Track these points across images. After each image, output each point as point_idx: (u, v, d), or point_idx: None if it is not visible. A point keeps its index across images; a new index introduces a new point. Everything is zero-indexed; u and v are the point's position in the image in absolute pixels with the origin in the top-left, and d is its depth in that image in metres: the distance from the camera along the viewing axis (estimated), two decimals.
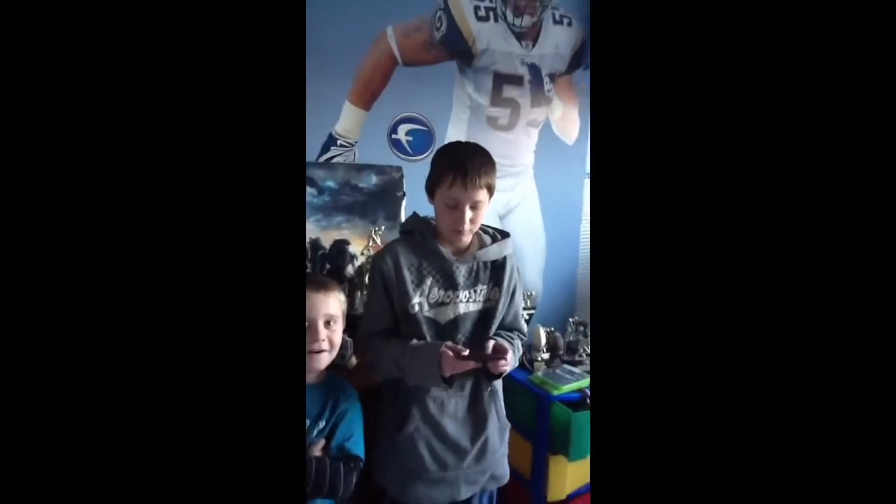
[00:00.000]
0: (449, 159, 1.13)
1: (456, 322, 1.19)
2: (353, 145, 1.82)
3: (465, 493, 1.21)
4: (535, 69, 2.12)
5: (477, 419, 1.21)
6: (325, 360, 1.08)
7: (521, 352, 1.33)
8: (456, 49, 1.94)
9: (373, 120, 1.85)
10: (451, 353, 1.09)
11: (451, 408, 1.18)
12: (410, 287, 1.16)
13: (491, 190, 1.14)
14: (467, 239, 1.19)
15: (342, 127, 1.80)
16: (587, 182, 2.42)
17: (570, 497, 1.82)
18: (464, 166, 1.09)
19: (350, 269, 1.72)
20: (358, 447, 1.08)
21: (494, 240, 1.24)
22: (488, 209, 1.18)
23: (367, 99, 1.83)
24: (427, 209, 1.24)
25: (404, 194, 1.86)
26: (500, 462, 1.27)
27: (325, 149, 1.78)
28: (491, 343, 1.15)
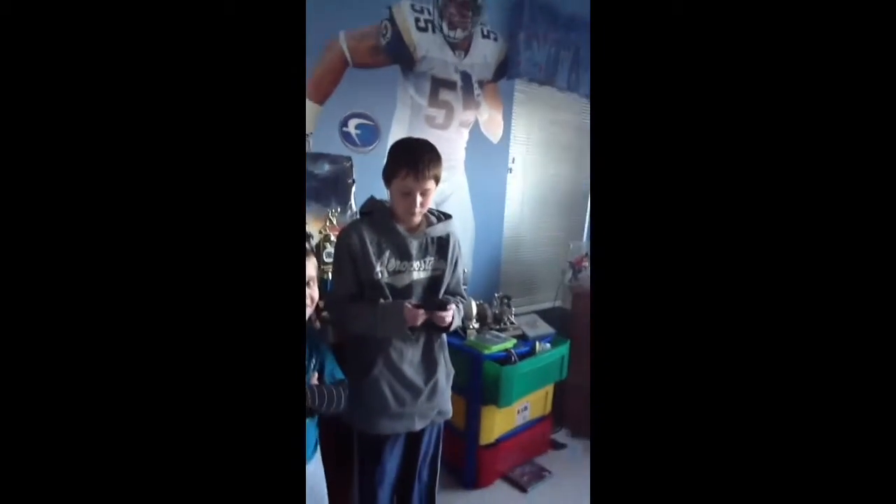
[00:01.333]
0: (403, 155, 1.33)
1: (410, 287, 1.40)
2: (308, 136, 1.96)
3: (419, 426, 1.44)
4: (466, 76, 2.38)
5: (429, 365, 1.45)
6: (307, 313, 1.29)
7: (462, 312, 1.54)
8: (399, 55, 2.14)
9: (326, 114, 1.99)
10: (410, 307, 1.32)
11: (408, 356, 1.40)
12: (373, 258, 1.35)
13: (438, 179, 1.36)
14: (418, 219, 1.40)
15: None
16: (509, 176, 2.74)
17: (499, 440, 2.13)
18: (415, 162, 1.29)
19: (307, 247, 1.91)
20: (340, 375, 1.29)
21: (440, 220, 1.46)
22: (434, 194, 1.40)
23: (321, 95, 1.96)
24: (376, 193, 1.46)
25: (354, 181, 2.02)
26: (446, 400, 1.51)
27: None
28: (439, 299, 1.39)
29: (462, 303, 1.54)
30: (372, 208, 1.43)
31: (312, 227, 1.92)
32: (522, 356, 2.10)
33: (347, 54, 2.00)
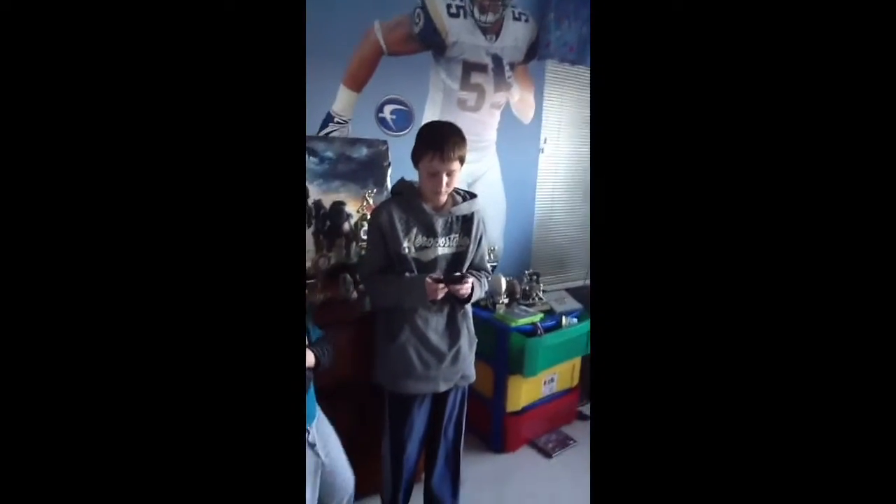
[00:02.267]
0: (429, 138, 1.42)
1: (435, 261, 1.52)
2: (347, 122, 2.09)
3: (443, 388, 1.57)
4: (497, 59, 2.45)
5: (452, 333, 1.56)
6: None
7: (486, 286, 1.65)
8: (431, 41, 2.23)
9: (363, 101, 2.11)
10: (431, 281, 1.44)
11: (433, 324, 1.53)
12: (401, 234, 1.46)
13: (462, 160, 1.45)
14: (444, 199, 1.51)
15: (338, 107, 2.07)
16: (541, 156, 2.80)
17: (525, 409, 2.26)
18: (441, 145, 1.39)
19: (346, 226, 2.05)
20: (318, 332, 1.42)
21: (465, 199, 1.56)
22: (460, 175, 1.49)
23: (358, 83, 2.09)
24: (409, 174, 1.56)
25: (389, 164, 2.15)
26: (469, 366, 1.63)
27: (324, 125, 2.04)
28: (457, 274, 1.50)
29: (486, 277, 1.63)
30: (402, 188, 1.54)
31: (351, 207, 2.07)
32: (548, 329, 2.20)
33: (382, 43, 2.11)
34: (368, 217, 2.02)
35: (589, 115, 2.96)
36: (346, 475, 1.43)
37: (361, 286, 1.81)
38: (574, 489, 2.01)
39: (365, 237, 2.02)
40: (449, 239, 1.54)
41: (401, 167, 2.15)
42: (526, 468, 2.15)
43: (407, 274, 1.49)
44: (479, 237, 1.59)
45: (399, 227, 1.47)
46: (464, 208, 1.54)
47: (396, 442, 1.59)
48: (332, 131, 2.08)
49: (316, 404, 1.41)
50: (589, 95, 2.91)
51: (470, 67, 2.38)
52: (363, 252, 2.03)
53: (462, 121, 2.34)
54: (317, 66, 1.98)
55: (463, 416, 1.68)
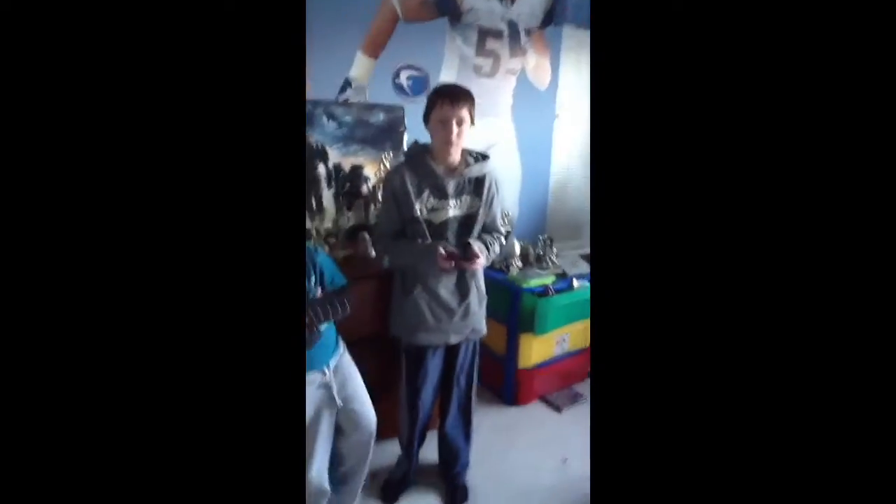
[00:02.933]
0: (440, 90, 1.51)
1: (447, 223, 1.56)
2: (364, 88, 2.16)
3: (454, 340, 1.65)
4: (513, 24, 2.46)
5: (462, 290, 1.63)
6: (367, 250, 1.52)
7: (499, 248, 1.66)
8: (447, 7, 2.26)
9: (380, 68, 2.17)
10: (442, 251, 1.48)
11: (444, 281, 1.59)
12: (413, 197, 1.51)
13: (471, 114, 1.49)
14: (456, 153, 1.53)
15: (356, 73, 2.13)
16: (556, 122, 2.83)
17: (537, 366, 2.35)
18: (449, 92, 1.48)
19: (365, 188, 2.14)
20: (341, 279, 1.48)
21: (477, 161, 1.58)
22: (469, 132, 1.51)
23: (375, 50, 2.14)
24: (424, 139, 1.59)
25: (406, 128, 2.22)
26: (479, 320, 1.69)
27: (343, 90, 2.11)
28: (468, 247, 1.53)
29: (498, 239, 1.68)
30: (414, 151, 1.60)
31: (369, 170, 2.15)
32: (560, 291, 2.27)
33: (399, 10, 2.16)
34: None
35: None
36: (368, 414, 1.53)
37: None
38: (581, 441, 2.11)
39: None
40: (460, 201, 1.58)
41: (416, 132, 2.21)
42: (536, 420, 2.25)
43: (420, 241, 1.54)
44: (490, 199, 1.62)
45: (411, 190, 1.52)
46: (475, 170, 1.57)
47: (411, 390, 1.70)
48: (348, 97, 2.14)
49: (339, 342, 1.51)
50: None
51: (485, 33, 2.41)
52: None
53: (477, 87, 2.38)
54: (336, 32, 2.05)
55: (474, 367, 1.77)
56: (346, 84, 2.14)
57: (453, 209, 1.57)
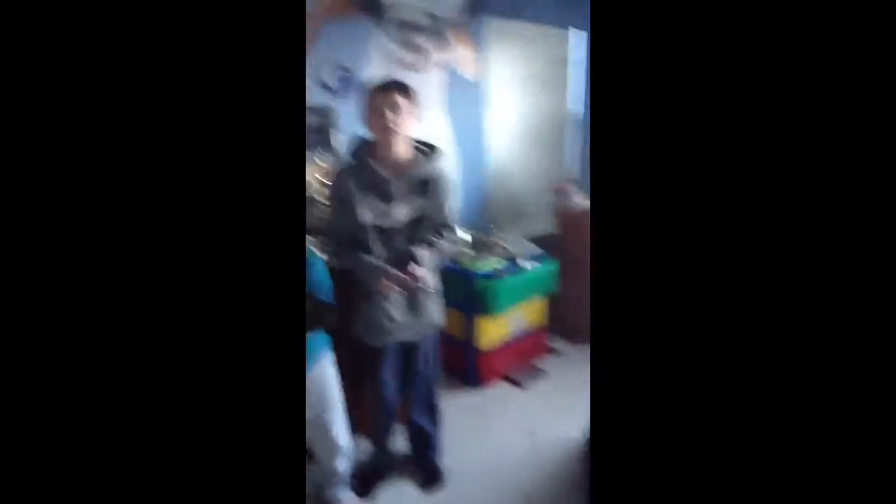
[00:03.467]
0: (374, 87, 1.48)
1: (396, 227, 1.50)
2: None
3: (412, 338, 1.64)
4: (434, 17, 2.50)
5: (412, 299, 1.57)
6: None
7: (448, 245, 1.62)
8: (367, 4, 2.28)
9: (307, 68, 2.16)
10: (384, 278, 1.46)
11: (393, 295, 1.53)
12: (357, 203, 1.45)
13: (408, 98, 1.45)
14: (398, 143, 1.46)
15: None
16: (487, 112, 2.90)
17: (495, 346, 2.40)
18: (382, 83, 1.47)
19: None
20: (327, 296, 1.47)
21: (426, 155, 1.52)
22: (410, 120, 1.46)
23: None
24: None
25: (335, 128, 2.23)
26: (435, 316, 1.65)
27: None
28: (411, 267, 1.48)
29: (449, 236, 1.64)
30: (357, 150, 1.53)
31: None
32: (509, 272, 2.34)
33: (320, 9, 2.16)
34: (321, 180, 2.11)
35: (533, 67, 3.06)
36: (337, 438, 1.57)
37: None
38: (545, 413, 2.17)
39: (319, 199, 2.09)
40: (408, 203, 1.50)
41: (347, 131, 2.23)
42: (500, 399, 2.30)
43: (365, 256, 1.50)
44: (441, 198, 1.55)
45: (355, 195, 1.46)
46: (422, 171, 1.51)
47: (375, 384, 1.71)
48: None
49: (325, 350, 1.53)
50: (531, 48, 3.01)
51: (408, 28, 2.44)
52: (322, 215, 2.11)
53: (407, 82, 2.40)
54: None
55: (437, 356, 1.79)
56: None
57: (401, 211, 1.51)
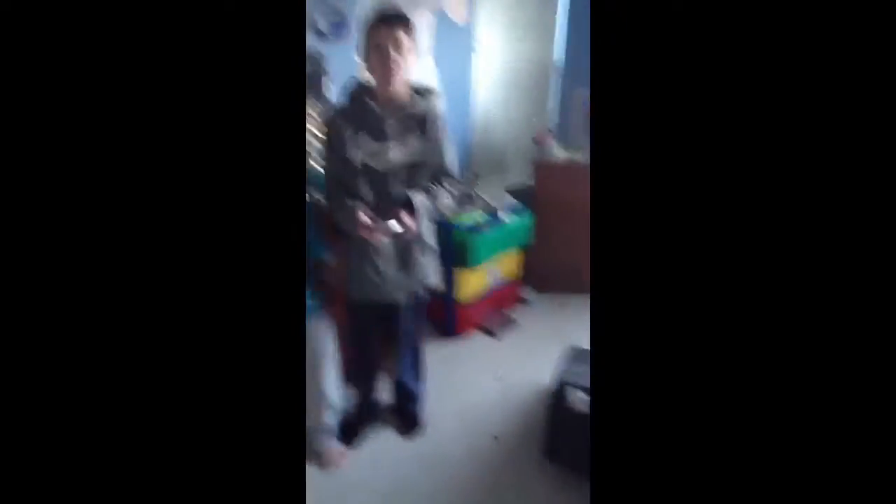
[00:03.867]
0: (373, 15, 1.37)
1: (391, 169, 1.41)
2: None
3: (402, 298, 1.59)
4: None
5: (404, 252, 1.53)
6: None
7: (448, 198, 1.54)
8: None
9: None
10: (362, 217, 1.34)
11: (382, 246, 1.48)
12: (347, 141, 1.38)
13: (410, 38, 1.34)
14: (397, 84, 1.35)
15: None
16: (474, 56, 2.85)
17: (473, 298, 2.51)
18: (384, 13, 1.35)
19: None
20: (317, 250, 1.53)
21: (422, 95, 1.45)
22: (413, 59, 1.36)
23: None
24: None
25: (327, 73, 2.19)
26: (428, 273, 1.61)
27: None
28: (402, 214, 1.38)
29: (450, 187, 1.55)
30: (352, 90, 1.45)
31: None
32: (488, 224, 2.41)
33: None
34: (313, 130, 2.08)
35: (521, 12, 2.98)
36: (328, 393, 1.67)
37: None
38: (515, 359, 2.34)
39: (312, 152, 2.08)
40: (403, 142, 1.42)
41: (340, 78, 2.18)
42: (475, 349, 2.45)
43: (346, 199, 1.42)
44: (438, 139, 1.48)
45: (345, 132, 1.39)
46: (419, 105, 1.44)
47: (361, 341, 1.77)
48: None
49: (316, 306, 1.58)
50: None
51: None
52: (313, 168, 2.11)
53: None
54: None
55: (423, 317, 1.84)
56: None
57: (396, 152, 1.42)
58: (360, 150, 1.41)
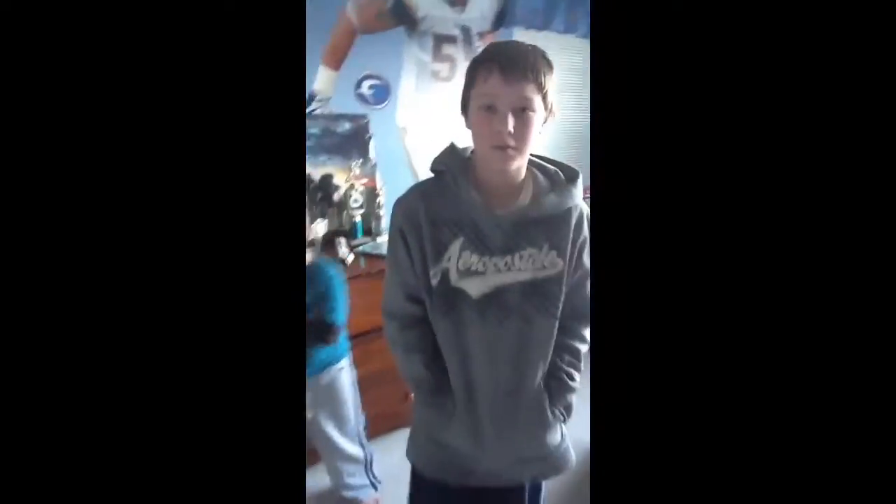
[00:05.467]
0: (490, 52, 0.83)
1: (496, 295, 0.88)
2: (328, 100, 2.22)
3: (491, 482, 0.99)
4: (465, 29, 2.57)
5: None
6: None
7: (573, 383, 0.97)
8: (402, 17, 2.34)
9: (342, 79, 2.24)
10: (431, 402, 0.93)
11: None
12: (429, 249, 0.87)
13: (544, 93, 0.82)
14: (514, 164, 0.85)
15: (319, 86, 2.19)
16: None
17: None
18: (506, 54, 0.80)
19: (336, 195, 2.22)
20: (340, 318, 1.44)
21: (554, 182, 0.91)
22: (541, 124, 0.85)
23: (336, 62, 2.21)
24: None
25: (371, 135, 2.30)
26: (553, 452, 1.00)
27: (308, 103, 2.18)
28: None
29: (574, 362, 0.99)
30: (444, 164, 0.92)
31: (339, 179, 2.23)
32: None
33: (356, 22, 2.24)
34: (356, 186, 2.20)
35: (557, 77, 3.08)
36: (345, 445, 1.61)
37: (357, 249, 1.99)
38: None
39: (353, 205, 2.19)
40: (520, 257, 0.88)
41: (382, 140, 2.32)
42: None
43: (414, 357, 0.95)
44: (578, 253, 0.93)
45: (427, 234, 0.88)
46: (550, 202, 0.89)
47: None
48: (314, 109, 2.21)
49: (340, 357, 1.56)
50: (556, 59, 3.02)
51: (440, 40, 2.51)
52: (354, 219, 2.21)
53: (436, 92, 2.50)
54: None
55: None
56: (311, 97, 2.20)
57: (506, 271, 0.88)
58: (451, 265, 0.89)
